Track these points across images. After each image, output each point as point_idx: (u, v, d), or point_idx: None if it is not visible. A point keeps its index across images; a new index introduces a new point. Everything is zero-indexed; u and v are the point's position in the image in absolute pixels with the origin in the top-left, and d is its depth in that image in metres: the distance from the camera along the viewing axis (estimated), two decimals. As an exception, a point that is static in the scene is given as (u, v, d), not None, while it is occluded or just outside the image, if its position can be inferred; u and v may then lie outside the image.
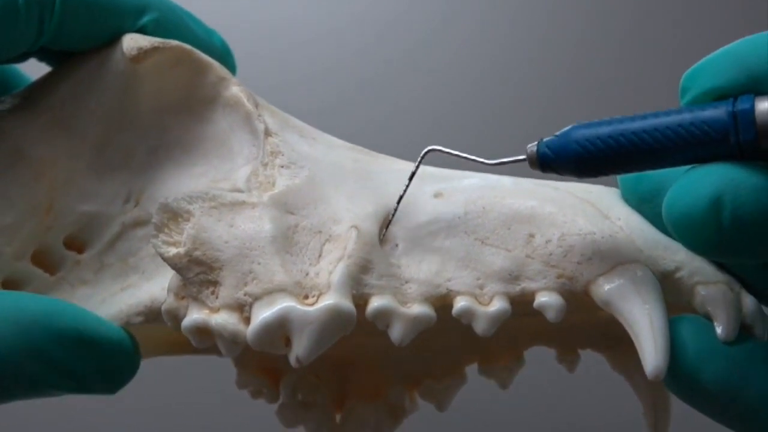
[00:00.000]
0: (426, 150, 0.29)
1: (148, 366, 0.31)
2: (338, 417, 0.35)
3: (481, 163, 0.28)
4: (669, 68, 0.63)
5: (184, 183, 0.31)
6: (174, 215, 0.27)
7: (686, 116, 0.24)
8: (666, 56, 0.64)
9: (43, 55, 0.34)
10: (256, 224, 0.27)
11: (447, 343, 0.34)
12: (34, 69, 0.34)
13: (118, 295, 0.31)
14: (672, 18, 0.65)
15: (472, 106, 0.63)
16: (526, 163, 0.27)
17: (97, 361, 0.29)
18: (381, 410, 0.35)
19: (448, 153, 0.28)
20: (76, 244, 0.32)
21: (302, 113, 0.34)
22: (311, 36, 0.64)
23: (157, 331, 0.33)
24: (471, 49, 0.64)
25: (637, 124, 0.25)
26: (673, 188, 0.25)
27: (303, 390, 0.34)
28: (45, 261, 0.32)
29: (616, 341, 0.33)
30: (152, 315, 0.30)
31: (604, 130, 0.25)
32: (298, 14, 0.64)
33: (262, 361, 0.35)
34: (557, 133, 0.26)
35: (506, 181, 0.30)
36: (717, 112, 0.24)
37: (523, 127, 0.62)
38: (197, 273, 0.27)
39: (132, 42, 0.31)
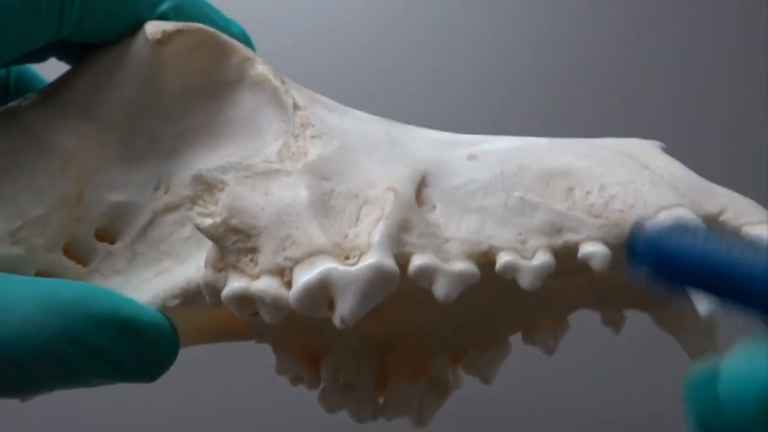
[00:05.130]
0: None
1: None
2: (381, 399, 0.35)
3: None
4: (671, 69, 0.63)
5: (213, 164, 0.31)
6: (208, 186, 0.27)
7: None
8: (669, 57, 0.64)
9: (62, 51, 0.34)
10: (291, 191, 0.27)
11: (488, 313, 0.33)
12: (50, 72, 0.34)
13: (153, 281, 0.30)
14: (674, 19, 0.65)
15: (473, 107, 0.63)
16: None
17: (137, 344, 0.28)
18: (425, 387, 0.34)
19: None
20: (107, 234, 0.32)
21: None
22: (312, 33, 0.64)
23: (192, 319, 0.33)
24: (472, 50, 0.64)
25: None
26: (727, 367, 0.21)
27: (344, 372, 0.34)
28: (76, 253, 0.32)
29: (662, 300, 0.32)
30: (188, 296, 0.29)
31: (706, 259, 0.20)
32: (298, 12, 0.64)
33: (302, 344, 0.34)
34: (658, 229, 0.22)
35: (540, 140, 0.30)
36: None
37: (525, 126, 0.61)
38: (235, 241, 0.27)
39: (155, 27, 0.31)
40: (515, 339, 0.35)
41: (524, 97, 0.63)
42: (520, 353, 0.35)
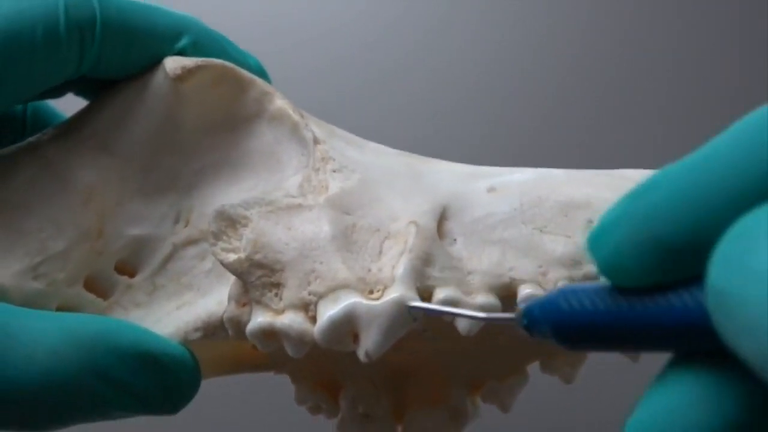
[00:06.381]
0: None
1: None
2: (400, 428, 0.35)
3: (471, 317, 0.26)
4: (671, 69, 0.64)
5: (234, 198, 0.31)
6: (232, 222, 0.27)
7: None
8: (669, 57, 0.64)
9: (81, 86, 0.34)
10: (314, 225, 0.27)
11: (506, 343, 0.34)
12: (67, 106, 0.35)
13: (174, 314, 0.31)
14: (674, 19, 0.65)
15: (473, 107, 0.63)
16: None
17: (160, 377, 0.28)
18: (443, 416, 0.34)
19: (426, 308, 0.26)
20: (127, 268, 0.32)
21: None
22: (312, 33, 0.64)
23: (212, 351, 0.33)
24: (472, 50, 0.65)
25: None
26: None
27: (363, 401, 0.34)
28: (97, 286, 0.32)
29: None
30: (210, 329, 0.29)
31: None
32: (299, 12, 0.65)
33: (320, 374, 0.34)
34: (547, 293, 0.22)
35: (558, 172, 0.30)
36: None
37: (524, 125, 0.62)
38: (259, 276, 0.27)
39: (175, 63, 0.31)
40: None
41: (524, 97, 0.63)
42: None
